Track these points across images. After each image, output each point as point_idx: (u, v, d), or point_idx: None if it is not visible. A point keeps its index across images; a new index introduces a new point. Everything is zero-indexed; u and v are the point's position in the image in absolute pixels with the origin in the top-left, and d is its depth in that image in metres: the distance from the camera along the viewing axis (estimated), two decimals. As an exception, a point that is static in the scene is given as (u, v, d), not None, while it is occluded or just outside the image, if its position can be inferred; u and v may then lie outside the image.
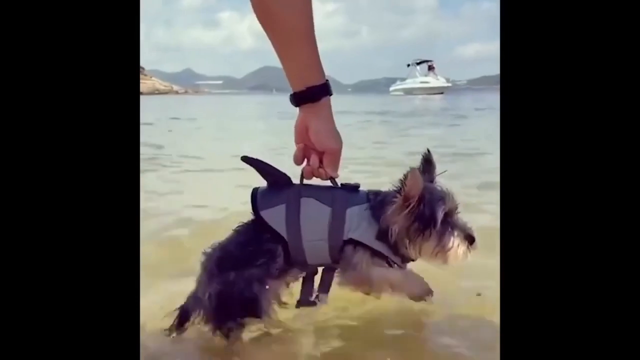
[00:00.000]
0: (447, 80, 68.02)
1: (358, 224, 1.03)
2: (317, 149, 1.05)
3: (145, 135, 5.24)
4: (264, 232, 1.06)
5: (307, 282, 1.10)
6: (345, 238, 1.03)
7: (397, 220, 1.01)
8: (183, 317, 1.10)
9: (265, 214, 1.05)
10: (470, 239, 1.02)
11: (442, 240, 1.01)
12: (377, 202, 1.05)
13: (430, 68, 68.98)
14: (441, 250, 1.01)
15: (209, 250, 1.10)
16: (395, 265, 1.07)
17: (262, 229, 1.06)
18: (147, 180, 3.03)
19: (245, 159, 1.08)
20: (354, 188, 1.09)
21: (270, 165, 1.09)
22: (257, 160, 1.08)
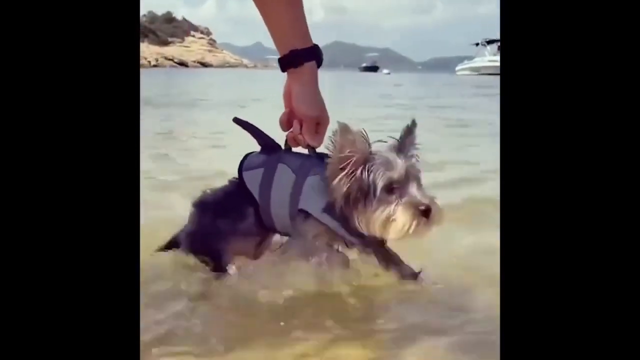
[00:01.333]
0: None
1: (309, 194, 0.99)
2: (297, 114, 1.03)
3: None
4: (243, 191, 1.06)
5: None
6: (298, 208, 1.00)
7: (337, 187, 0.93)
8: (173, 243, 1.17)
9: (245, 175, 1.06)
10: (424, 211, 0.90)
11: (385, 210, 0.90)
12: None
13: (500, 48, 66.68)
14: (388, 222, 0.90)
15: (207, 191, 1.14)
16: (350, 243, 1.01)
17: (243, 188, 1.07)
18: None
19: (237, 121, 1.10)
20: (325, 156, 1.00)
21: (260, 130, 1.10)
22: (248, 123, 1.10)
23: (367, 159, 0.92)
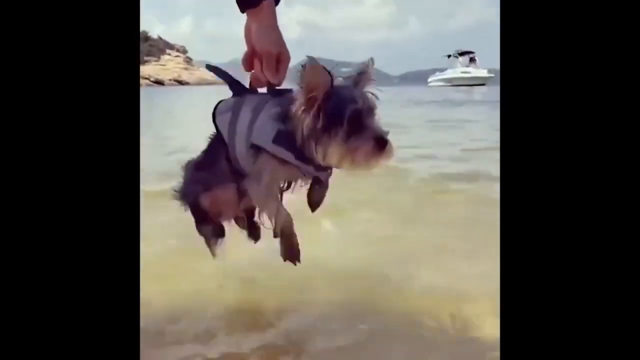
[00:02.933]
0: (489, 72, 64.80)
1: (260, 128, 0.99)
2: (258, 51, 1.05)
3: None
4: (218, 138, 1.08)
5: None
6: (250, 143, 1.00)
7: (302, 118, 0.93)
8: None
9: (218, 119, 1.07)
10: (380, 143, 0.91)
11: (348, 141, 0.91)
12: (284, 103, 0.98)
13: (472, 60, 66.34)
14: (347, 152, 0.91)
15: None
16: (304, 171, 1.01)
17: (217, 135, 1.08)
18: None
19: (210, 67, 1.14)
20: (281, 93, 1.03)
21: (231, 76, 1.11)
22: (220, 69, 1.13)
23: (331, 92, 0.94)
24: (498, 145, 0.67)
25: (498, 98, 0.69)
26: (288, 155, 0.98)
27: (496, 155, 0.96)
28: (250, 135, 1.01)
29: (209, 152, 1.13)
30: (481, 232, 1.82)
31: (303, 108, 0.94)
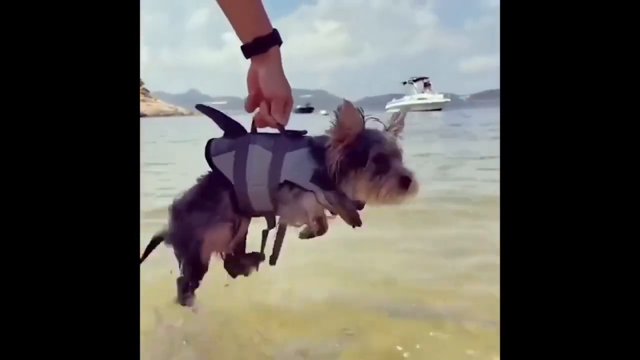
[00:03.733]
0: (445, 96, 67.05)
1: (294, 167, 1.06)
2: (265, 95, 1.09)
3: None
4: (216, 178, 1.10)
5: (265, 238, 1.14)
6: (281, 181, 1.06)
7: (334, 153, 1.02)
8: (156, 240, 1.21)
9: (216, 160, 1.10)
10: (405, 181, 1.00)
11: (373, 179, 1.00)
12: (316, 144, 1.06)
13: (426, 85, 68.79)
14: (373, 188, 1.00)
15: (177, 196, 1.16)
16: (333, 210, 1.07)
17: (215, 176, 1.11)
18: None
19: (200, 107, 1.15)
20: (299, 134, 1.10)
21: (225, 115, 1.14)
22: (211, 109, 1.15)
23: (361, 134, 1.03)
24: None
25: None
26: (320, 191, 1.05)
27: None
28: (276, 174, 1.06)
29: (203, 192, 1.14)
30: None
31: (335, 144, 1.03)
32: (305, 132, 1.11)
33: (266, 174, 1.07)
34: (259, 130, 1.15)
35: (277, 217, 1.12)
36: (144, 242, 1.18)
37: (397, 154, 1.04)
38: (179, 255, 1.16)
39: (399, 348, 1.17)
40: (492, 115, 17.16)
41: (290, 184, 1.06)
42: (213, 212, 1.11)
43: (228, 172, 1.09)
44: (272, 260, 1.14)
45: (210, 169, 1.12)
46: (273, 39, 1.07)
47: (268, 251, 1.15)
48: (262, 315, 1.32)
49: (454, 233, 2.17)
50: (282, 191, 1.07)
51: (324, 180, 1.05)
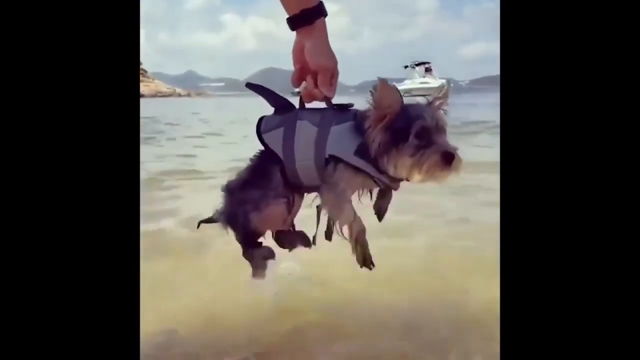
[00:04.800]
0: (448, 81, 73.83)
1: (338, 140, 1.05)
2: (311, 67, 1.08)
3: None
4: (267, 155, 1.10)
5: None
6: (326, 155, 1.05)
7: (375, 134, 1.00)
8: (210, 220, 1.21)
9: (266, 137, 1.10)
10: (448, 157, 0.97)
11: (415, 155, 0.98)
12: (361, 117, 1.04)
13: (427, 70, 68.15)
14: (415, 165, 0.98)
15: (231, 177, 1.16)
16: (379, 181, 1.07)
17: (266, 152, 1.11)
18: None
19: (250, 86, 1.15)
20: (345, 107, 1.10)
21: (274, 92, 1.14)
22: (260, 86, 1.14)
23: (401, 109, 1.01)
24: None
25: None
26: (368, 167, 1.04)
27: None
28: (322, 148, 1.05)
29: (256, 170, 1.14)
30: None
31: (374, 124, 1.00)
32: (352, 105, 1.10)
33: (312, 149, 1.07)
34: (307, 105, 1.15)
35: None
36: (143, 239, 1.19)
37: (440, 128, 1.02)
38: (232, 227, 1.16)
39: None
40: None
41: (334, 159, 1.05)
42: (266, 189, 1.12)
43: (278, 148, 1.09)
44: (328, 236, 1.13)
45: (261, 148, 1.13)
46: (319, 11, 1.07)
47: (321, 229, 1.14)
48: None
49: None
50: (327, 169, 1.06)
51: (369, 154, 1.03)
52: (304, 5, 1.05)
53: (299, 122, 1.09)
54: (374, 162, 1.03)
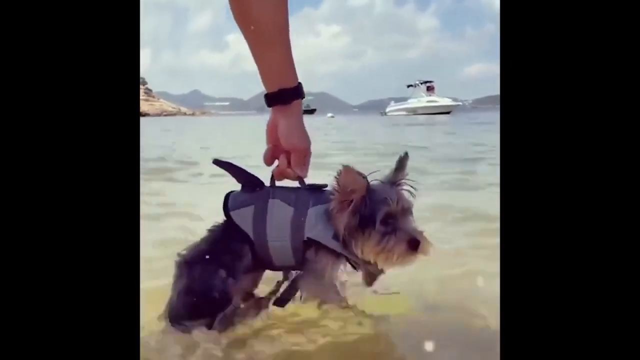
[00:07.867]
0: (454, 100, 65.25)
1: (316, 223, 1.04)
2: (285, 147, 1.08)
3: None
4: (234, 232, 1.08)
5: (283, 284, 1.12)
6: (304, 238, 1.04)
7: (340, 218, 1.01)
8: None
9: (234, 214, 1.08)
10: (414, 243, 0.98)
11: (381, 241, 0.98)
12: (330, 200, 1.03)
13: (429, 89, 67.68)
14: (382, 252, 0.99)
15: (183, 251, 1.11)
16: (356, 264, 1.07)
17: (232, 229, 1.08)
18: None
19: (217, 163, 1.12)
20: (320, 188, 1.09)
21: (243, 169, 1.12)
22: (229, 163, 1.12)
23: (366, 195, 1.00)
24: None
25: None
26: (344, 250, 1.04)
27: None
28: (299, 229, 1.04)
29: (218, 244, 1.10)
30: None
31: (339, 208, 1.01)
32: (326, 185, 1.09)
33: (288, 229, 1.05)
34: (277, 183, 1.14)
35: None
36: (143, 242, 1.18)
37: (405, 211, 1.02)
38: (192, 312, 1.06)
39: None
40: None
41: (315, 243, 1.05)
42: (234, 266, 1.08)
43: (247, 226, 1.07)
44: (281, 303, 1.10)
45: (220, 221, 1.11)
46: (297, 93, 1.07)
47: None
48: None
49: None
50: (308, 254, 1.05)
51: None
52: (283, 85, 1.06)
53: (271, 200, 1.08)
54: (347, 247, 1.03)
